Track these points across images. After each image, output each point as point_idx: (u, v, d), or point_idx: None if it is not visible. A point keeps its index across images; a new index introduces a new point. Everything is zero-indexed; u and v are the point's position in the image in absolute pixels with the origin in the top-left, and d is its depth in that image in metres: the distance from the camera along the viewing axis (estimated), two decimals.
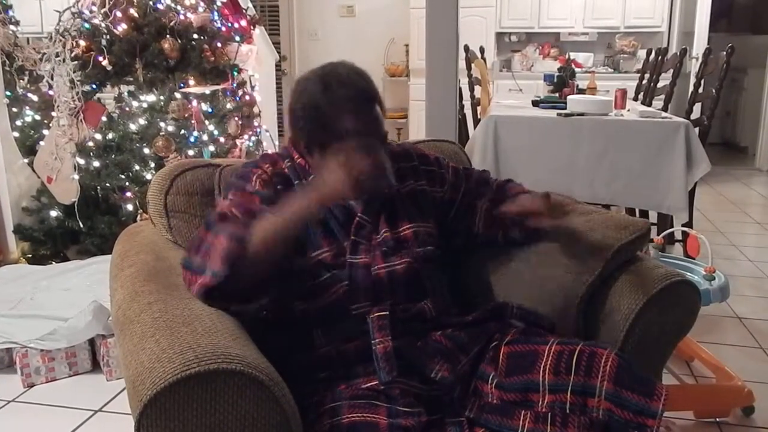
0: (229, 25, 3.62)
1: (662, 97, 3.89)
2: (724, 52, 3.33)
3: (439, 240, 1.47)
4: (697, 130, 3.29)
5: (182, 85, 3.14)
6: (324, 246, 1.34)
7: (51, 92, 3.05)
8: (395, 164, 1.42)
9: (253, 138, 3.71)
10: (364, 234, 1.37)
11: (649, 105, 4.03)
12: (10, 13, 3.28)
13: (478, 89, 4.45)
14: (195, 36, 3.24)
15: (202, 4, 3.37)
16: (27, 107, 3.29)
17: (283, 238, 1.21)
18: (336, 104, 1.28)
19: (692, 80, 4.16)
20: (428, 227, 1.44)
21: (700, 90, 3.62)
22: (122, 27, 3.06)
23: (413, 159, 1.51)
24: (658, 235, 2.53)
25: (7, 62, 3.16)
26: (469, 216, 1.55)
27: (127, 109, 3.16)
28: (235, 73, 3.48)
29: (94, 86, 3.14)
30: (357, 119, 1.29)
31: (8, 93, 3.23)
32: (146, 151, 3.09)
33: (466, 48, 4.49)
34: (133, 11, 3.09)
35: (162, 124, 3.10)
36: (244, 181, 1.38)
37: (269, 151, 3.35)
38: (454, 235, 1.55)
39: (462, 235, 1.56)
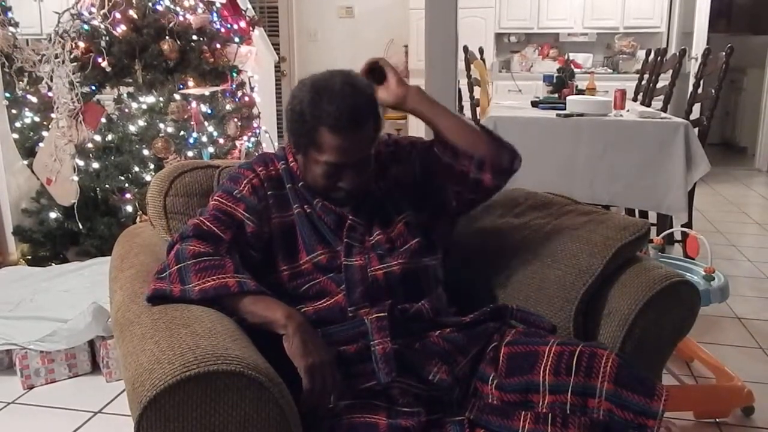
0: (229, 26, 3.62)
1: (661, 97, 3.89)
2: (724, 53, 3.33)
3: (429, 229, 1.45)
4: (696, 130, 3.29)
5: (181, 86, 3.14)
6: (318, 249, 1.35)
7: (50, 94, 3.05)
8: (378, 156, 1.42)
9: (253, 139, 3.71)
10: (356, 236, 1.37)
11: (649, 105, 4.03)
12: (10, 14, 3.28)
13: (477, 90, 4.45)
14: (194, 37, 3.24)
15: (201, 5, 3.37)
16: (26, 109, 3.29)
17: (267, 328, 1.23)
18: (318, 118, 1.27)
19: (691, 81, 4.16)
20: (418, 216, 1.43)
21: (700, 90, 3.62)
22: (121, 28, 3.06)
23: (390, 146, 1.50)
24: (658, 235, 2.53)
25: (7, 64, 3.16)
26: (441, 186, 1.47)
27: (127, 110, 3.16)
28: (235, 75, 3.48)
29: (93, 88, 3.13)
30: (337, 137, 1.27)
31: (7, 94, 3.23)
32: (145, 152, 3.09)
33: (466, 49, 4.50)
34: (132, 12, 3.09)
35: (161, 126, 3.10)
36: (234, 184, 1.39)
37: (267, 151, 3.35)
38: (442, 209, 1.48)
39: (444, 201, 1.48)
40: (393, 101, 1.42)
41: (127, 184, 3.09)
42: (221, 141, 3.31)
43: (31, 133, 3.31)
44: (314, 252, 1.35)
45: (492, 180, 1.41)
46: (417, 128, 6.08)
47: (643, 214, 3.54)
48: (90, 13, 3.07)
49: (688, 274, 2.07)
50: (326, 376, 1.17)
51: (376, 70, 1.43)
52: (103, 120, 3.12)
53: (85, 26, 3.07)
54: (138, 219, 2.98)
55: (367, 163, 1.35)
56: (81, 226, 3.08)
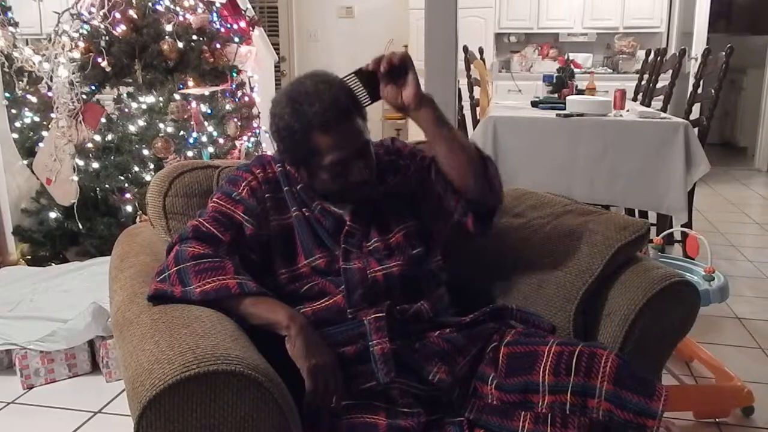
0: (228, 26, 3.62)
1: (661, 97, 3.89)
2: (723, 53, 3.33)
3: (428, 238, 1.44)
4: (696, 130, 3.29)
5: (181, 86, 3.14)
6: (317, 253, 1.34)
7: (50, 94, 3.05)
8: (378, 161, 1.41)
9: (252, 139, 3.71)
10: (354, 242, 1.36)
11: (648, 105, 4.03)
12: (10, 14, 3.28)
13: (477, 90, 4.45)
14: (194, 37, 3.24)
15: (201, 5, 3.37)
16: (26, 109, 3.29)
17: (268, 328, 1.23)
18: (307, 123, 1.27)
19: (691, 81, 4.16)
20: (416, 226, 1.43)
21: (699, 90, 3.62)
22: (121, 28, 3.05)
23: (391, 154, 1.49)
24: (658, 235, 2.53)
25: (7, 64, 3.16)
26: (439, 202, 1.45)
27: (126, 110, 3.16)
28: (234, 75, 3.48)
29: (93, 88, 3.13)
30: (331, 135, 1.27)
31: (7, 94, 3.23)
32: (145, 152, 3.09)
33: (465, 49, 4.50)
34: (132, 12, 3.09)
35: (161, 126, 3.10)
36: (232, 186, 1.39)
37: (266, 152, 3.35)
38: (438, 224, 1.46)
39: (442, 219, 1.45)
40: (401, 105, 1.35)
41: (127, 184, 3.09)
42: (221, 141, 3.31)
43: (31, 133, 3.31)
44: (313, 256, 1.34)
45: (473, 226, 1.40)
46: (417, 129, 6.07)
47: (643, 214, 3.54)
48: (90, 13, 3.06)
49: (688, 274, 2.07)
50: (329, 377, 1.18)
51: (396, 67, 1.32)
52: (103, 120, 3.12)
53: (85, 26, 3.07)
54: (138, 219, 2.98)
55: (368, 148, 1.34)
56: (81, 226, 3.08)
